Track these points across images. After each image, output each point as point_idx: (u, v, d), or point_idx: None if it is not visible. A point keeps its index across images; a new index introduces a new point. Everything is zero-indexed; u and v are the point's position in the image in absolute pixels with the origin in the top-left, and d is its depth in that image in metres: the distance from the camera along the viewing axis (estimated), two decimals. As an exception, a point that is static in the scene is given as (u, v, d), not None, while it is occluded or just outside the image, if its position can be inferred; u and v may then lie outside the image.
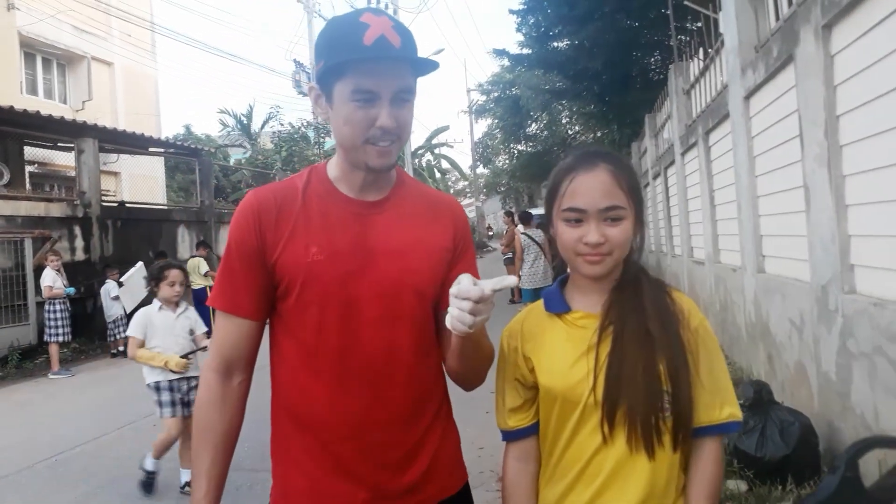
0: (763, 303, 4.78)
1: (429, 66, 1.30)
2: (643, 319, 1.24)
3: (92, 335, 10.84)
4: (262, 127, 25.44)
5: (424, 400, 1.39)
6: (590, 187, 1.24)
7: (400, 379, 1.34)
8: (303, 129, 22.59)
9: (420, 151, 30.88)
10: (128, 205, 13.43)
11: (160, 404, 4.08)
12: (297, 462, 1.34)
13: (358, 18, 1.25)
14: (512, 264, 13.85)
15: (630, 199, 1.26)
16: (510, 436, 1.37)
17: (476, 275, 1.27)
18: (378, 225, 1.36)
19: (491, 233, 47.82)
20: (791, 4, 3.96)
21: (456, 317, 1.09)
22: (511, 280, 1.11)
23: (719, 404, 1.26)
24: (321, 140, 22.50)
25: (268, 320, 1.38)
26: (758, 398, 3.38)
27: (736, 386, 4.31)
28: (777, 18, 4.32)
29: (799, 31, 3.53)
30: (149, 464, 4.10)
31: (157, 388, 4.08)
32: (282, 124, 22.06)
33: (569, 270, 1.38)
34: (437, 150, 32.29)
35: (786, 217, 4.22)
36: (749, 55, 4.78)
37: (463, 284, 1.09)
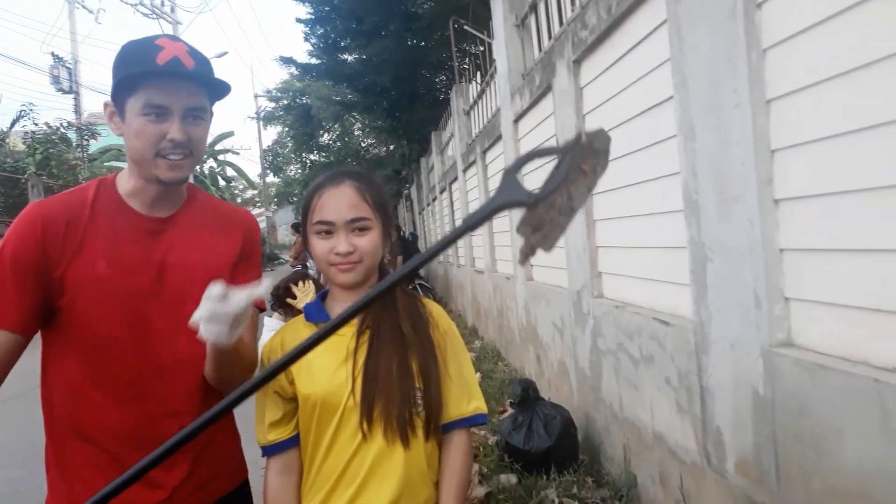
0: (532, 308, 5.22)
1: (223, 88, 1.39)
2: (396, 321, 1.35)
3: None
4: (12, 126, 22.28)
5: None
6: (337, 201, 1.35)
7: (192, 389, 1.40)
8: (62, 129, 20.15)
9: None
10: None
11: None
12: (80, 473, 1.34)
13: (153, 42, 1.31)
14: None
15: (375, 212, 1.37)
16: (271, 450, 1.40)
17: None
18: (168, 240, 1.40)
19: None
20: (550, 38, 4.40)
21: (205, 322, 1.14)
22: (262, 288, 1.17)
23: (467, 399, 1.40)
24: (84, 143, 20.26)
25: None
26: (525, 395, 3.67)
27: (509, 385, 4.62)
28: (540, 50, 4.77)
29: (556, 64, 3.93)
30: None
31: None
32: (36, 124, 19.46)
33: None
34: (220, 157, 30.73)
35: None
36: (517, 82, 5.22)
37: (213, 291, 1.13)
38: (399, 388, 1.31)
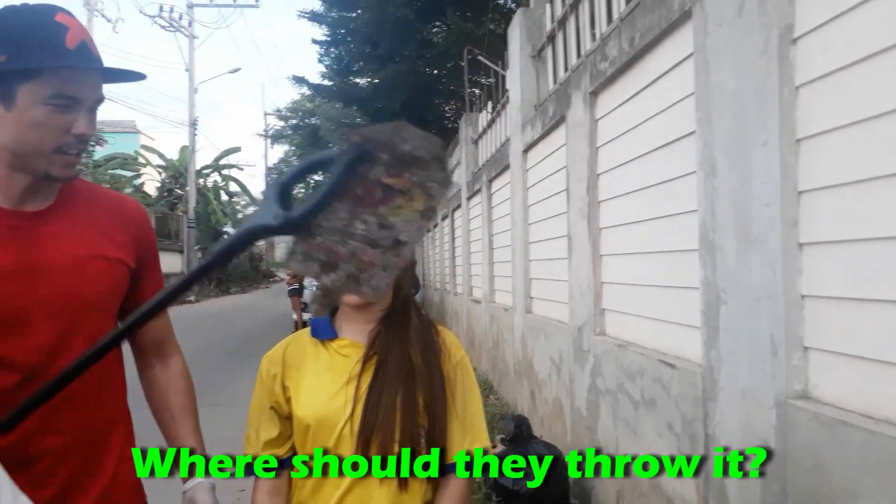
0: (529, 341, 5.11)
1: (122, 77, 1.25)
2: (406, 350, 1.24)
3: None
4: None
5: (106, 423, 1.29)
6: None
7: (79, 404, 1.22)
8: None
9: (206, 171, 29.19)
10: None
11: None
12: None
13: (53, 17, 1.13)
14: (297, 295, 13.48)
15: None
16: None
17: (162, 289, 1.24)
18: (45, 237, 1.21)
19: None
20: (566, 70, 4.37)
21: None
22: None
23: (469, 440, 1.29)
24: (90, 149, 20.28)
25: None
26: (517, 432, 3.54)
27: (500, 420, 4.50)
28: (555, 81, 4.74)
29: (571, 95, 3.89)
30: None
31: None
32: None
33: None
34: (225, 172, 30.78)
35: (552, 263, 4.58)
36: (529, 112, 5.19)
37: None
38: (401, 424, 1.20)
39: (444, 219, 12.13)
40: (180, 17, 24.66)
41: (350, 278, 0.71)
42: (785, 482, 1.84)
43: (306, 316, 10.18)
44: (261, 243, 34.34)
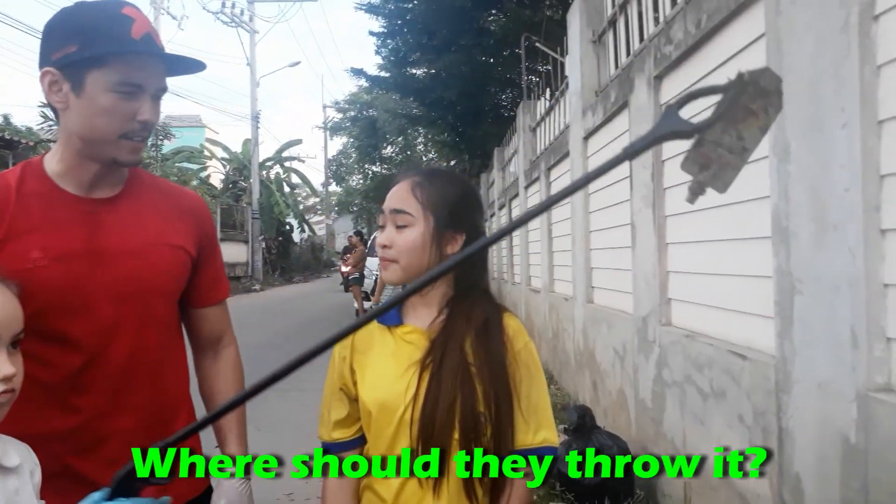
0: (590, 332, 5.05)
1: (183, 65, 1.30)
2: (469, 337, 1.23)
3: None
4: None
5: (172, 404, 1.35)
6: (391, 192, 1.29)
7: (145, 385, 1.28)
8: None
9: (269, 163, 29.89)
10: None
11: None
12: None
13: (119, 10, 1.20)
14: (358, 284, 13.71)
15: (425, 210, 1.26)
16: (333, 448, 1.33)
17: (222, 280, 1.42)
18: (111, 223, 1.27)
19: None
20: (629, 54, 4.27)
21: None
22: None
23: (534, 428, 1.26)
24: (159, 142, 21.04)
25: None
26: (581, 423, 3.51)
27: (563, 410, 4.48)
28: (616, 66, 4.65)
29: (634, 80, 3.80)
30: None
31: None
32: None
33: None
34: (287, 164, 31.43)
35: (614, 252, 4.50)
36: (590, 98, 5.10)
37: None
38: (461, 411, 1.19)
39: (501, 208, 12.08)
40: (242, 13, 25.23)
41: (715, 177, 0.91)
42: (866, 479, 1.77)
43: (367, 304, 10.34)
44: (321, 234, 35.02)
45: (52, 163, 1.28)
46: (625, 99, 4.01)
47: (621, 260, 4.23)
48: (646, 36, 3.92)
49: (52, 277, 1.20)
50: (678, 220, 3.31)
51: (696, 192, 0.91)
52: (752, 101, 0.89)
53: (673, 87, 3.32)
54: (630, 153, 0.90)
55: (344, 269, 17.10)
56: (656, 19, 3.75)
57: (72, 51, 1.18)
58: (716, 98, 0.92)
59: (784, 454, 2.20)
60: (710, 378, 2.80)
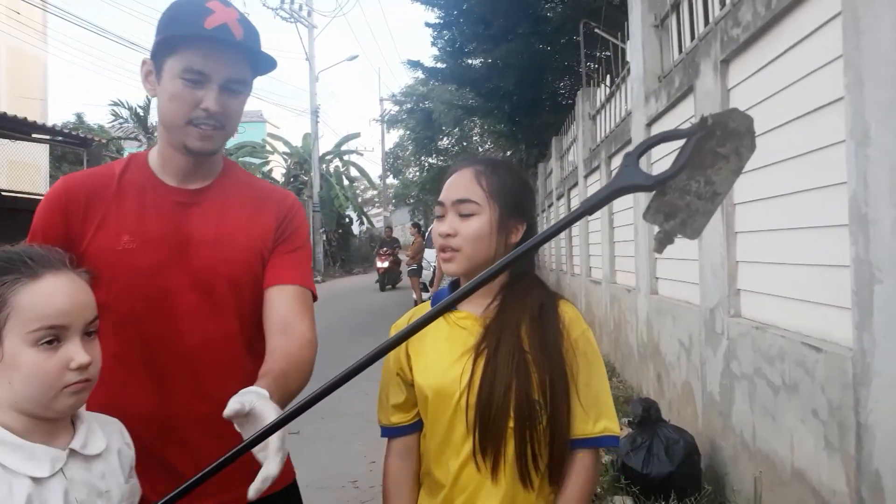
0: (655, 323, 4.96)
1: (268, 63, 1.32)
2: (523, 324, 1.23)
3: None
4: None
5: None
6: (452, 182, 1.29)
7: (222, 371, 1.30)
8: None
9: (328, 157, 30.38)
10: (4, 193, 12.35)
11: None
12: None
13: (204, 3, 1.24)
14: (416, 276, 13.86)
15: (490, 199, 1.26)
16: (392, 432, 1.35)
17: (295, 268, 1.33)
18: (197, 213, 1.33)
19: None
20: (693, 38, 4.15)
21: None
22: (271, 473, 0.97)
23: (594, 417, 1.24)
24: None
25: None
26: (646, 416, 3.46)
27: (626, 403, 4.42)
28: (680, 51, 4.52)
29: (699, 64, 3.70)
30: None
31: None
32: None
33: None
34: (346, 157, 31.87)
35: (679, 242, 4.39)
36: (653, 84, 4.98)
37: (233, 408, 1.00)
38: (516, 398, 1.18)
39: (559, 198, 11.95)
40: (300, 8, 25.65)
41: (684, 224, 0.90)
42: (954, 477, 1.69)
43: (426, 295, 10.44)
44: (379, 226, 35.34)
45: (154, 155, 1.36)
46: (690, 84, 3.91)
47: (687, 250, 4.12)
48: (711, 19, 3.80)
49: (137, 261, 1.27)
50: (747, 208, 3.21)
51: (662, 242, 0.89)
52: (721, 144, 0.87)
53: (741, 71, 3.21)
54: (588, 207, 0.89)
55: (379, 264, 16.59)
56: (722, 1, 3.63)
57: (158, 40, 1.26)
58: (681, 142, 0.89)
59: (863, 450, 2.12)
60: (781, 371, 2.71)
